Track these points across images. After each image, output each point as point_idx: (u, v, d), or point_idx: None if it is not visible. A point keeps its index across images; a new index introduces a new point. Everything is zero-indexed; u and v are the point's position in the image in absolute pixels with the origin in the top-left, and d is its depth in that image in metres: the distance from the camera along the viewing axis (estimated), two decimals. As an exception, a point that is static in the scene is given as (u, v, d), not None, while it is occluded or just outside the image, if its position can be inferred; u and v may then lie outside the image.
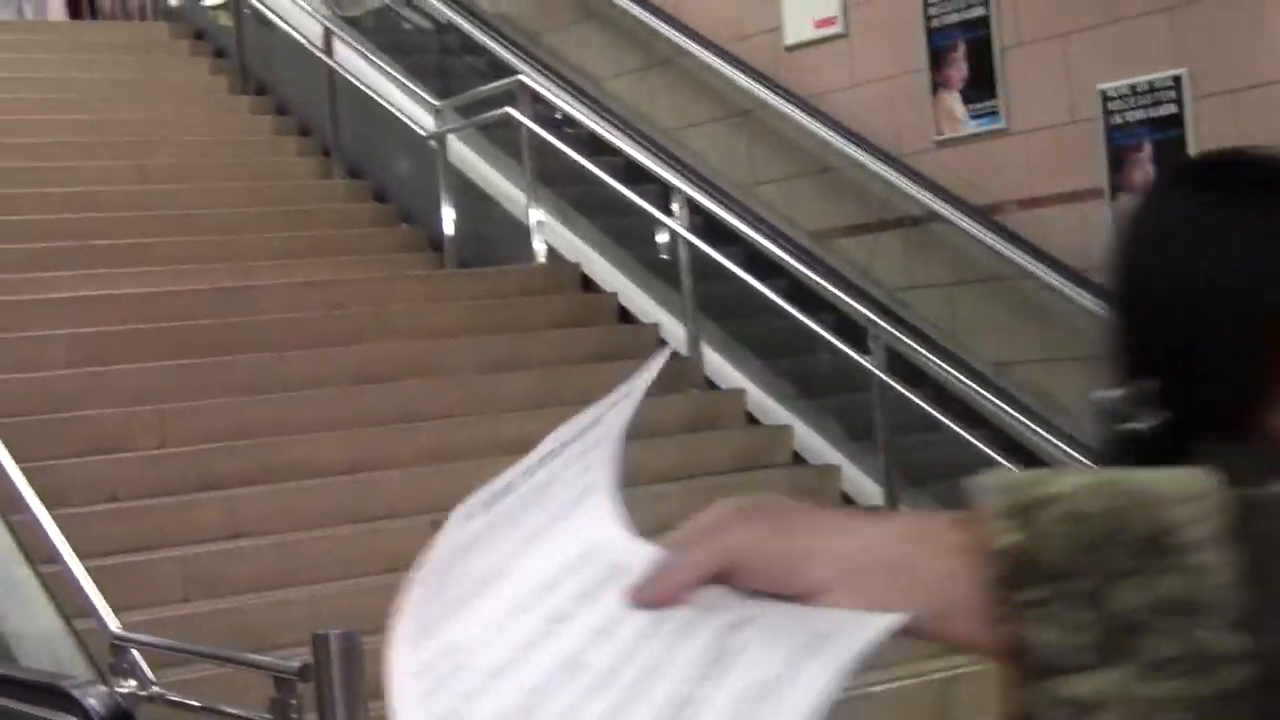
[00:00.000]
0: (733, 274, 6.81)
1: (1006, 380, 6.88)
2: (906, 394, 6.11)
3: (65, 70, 9.61)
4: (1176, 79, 6.62)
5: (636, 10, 9.23)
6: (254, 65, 9.84)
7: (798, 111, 8.21)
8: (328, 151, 8.88)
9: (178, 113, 9.37)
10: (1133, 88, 6.78)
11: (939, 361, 6.28)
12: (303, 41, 9.09)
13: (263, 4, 9.69)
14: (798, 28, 8.45)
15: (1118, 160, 6.86)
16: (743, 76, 8.52)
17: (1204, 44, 6.55)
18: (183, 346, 6.47)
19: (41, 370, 6.15)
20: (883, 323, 6.34)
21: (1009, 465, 5.81)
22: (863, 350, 6.31)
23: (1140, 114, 6.76)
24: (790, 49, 8.48)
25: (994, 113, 7.41)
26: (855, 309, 6.46)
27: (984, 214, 7.33)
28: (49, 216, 7.65)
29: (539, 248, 7.66)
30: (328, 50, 8.90)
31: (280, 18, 9.42)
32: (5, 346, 6.21)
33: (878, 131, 7.89)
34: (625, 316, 7.38)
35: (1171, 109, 6.64)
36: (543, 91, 7.81)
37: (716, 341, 7.15)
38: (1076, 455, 5.78)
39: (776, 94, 8.33)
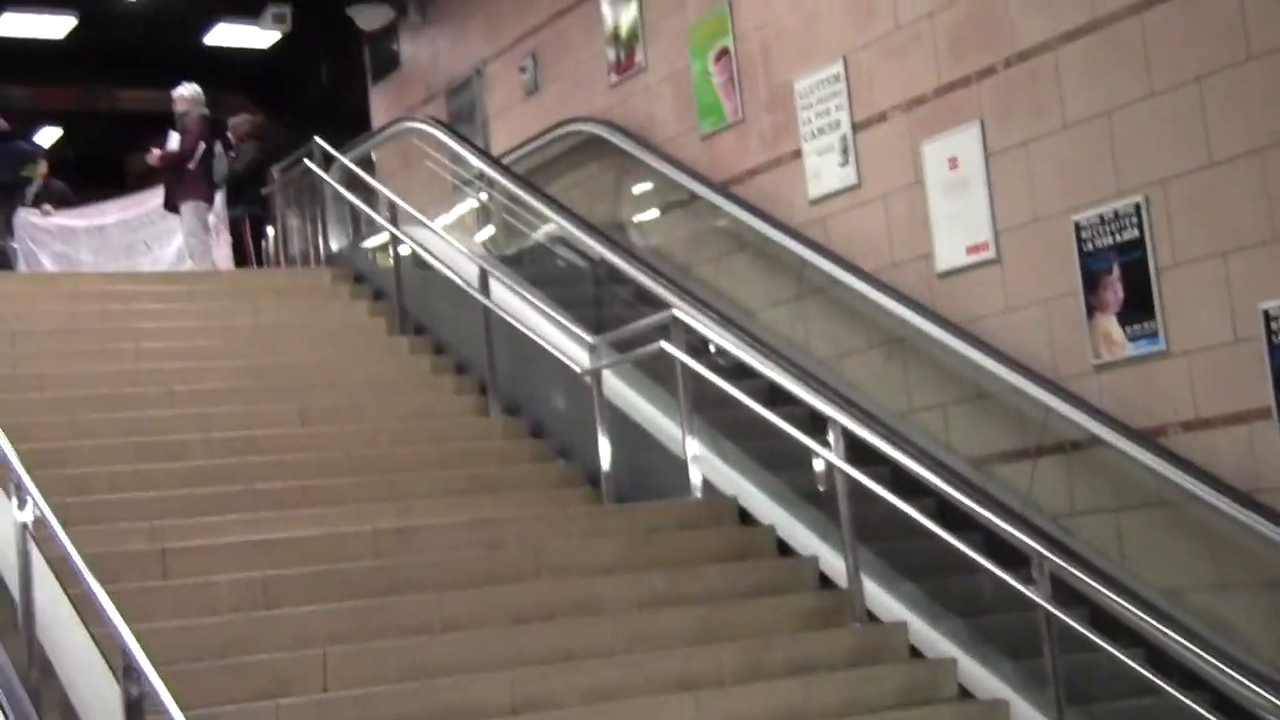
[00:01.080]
0: (891, 503, 6.72)
1: (1179, 608, 6.69)
2: (1074, 625, 5.93)
3: (232, 317, 9.88)
4: (1341, 296, 6.52)
5: (788, 241, 9.34)
6: (412, 306, 10.06)
7: (952, 337, 8.20)
8: (485, 389, 9.00)
9: (338, 355, 9.57)
10: (1296, 306, 6.68)
11: (1106, 590, 6.11)
12: (459, 282, 9.29)
13: (420, 246, 9.94)
14: (950, 254, 8.49)
15: (1283, 379, 6.74)
16: (896, 303, 8.55)
17: (1367, 260, 6.46)
18: (345, 588, 6.51)
19: (206, 615, 6.21)
20: (1047, 551, 6.20)
21: (1188, 700, 5.62)
22: (1027, 579, 6.17)
23: (1305, 332, 6.66)
24: (943, 275, 8.51)
25: (1153, 334, 7.34)
26: (1018, 537, 6.33)
27: (1147, 437, 7.22)
28: (215, 461, 7.79)
29: (695, 481, 7.65)
30: (484, 290, 9.08)
31: (437, 259, 9.65)
32: (171, 592, 6.29)
33: (1034, 356, 7.85)
34: (784, 549, 7.31)
35: (1337, 327, 6.53)
36: (696, 325, 7.86)
37: (877, 573, 7.04)
38: (1258, 689, 5.56)
39: (930, 320, 8.34)
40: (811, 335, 9.26)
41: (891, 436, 7.16)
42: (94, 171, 19.46)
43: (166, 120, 12.68)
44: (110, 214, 13.94)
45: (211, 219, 12.73)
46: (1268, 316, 6.79)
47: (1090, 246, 7.65)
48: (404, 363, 9.62)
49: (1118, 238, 7.52)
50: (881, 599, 6.95)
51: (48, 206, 13.42)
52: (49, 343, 9.04)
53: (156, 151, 12.35)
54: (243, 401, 8.52)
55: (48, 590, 5.66)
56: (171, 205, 12.50)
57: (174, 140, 12.26)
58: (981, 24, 8.30)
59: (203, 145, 12.32)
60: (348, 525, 7.11)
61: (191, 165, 12.25)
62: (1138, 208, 7.41)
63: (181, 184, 12.30)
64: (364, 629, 6.24)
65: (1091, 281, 7.64)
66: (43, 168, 13.75)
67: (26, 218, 13.29)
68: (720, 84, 10.33)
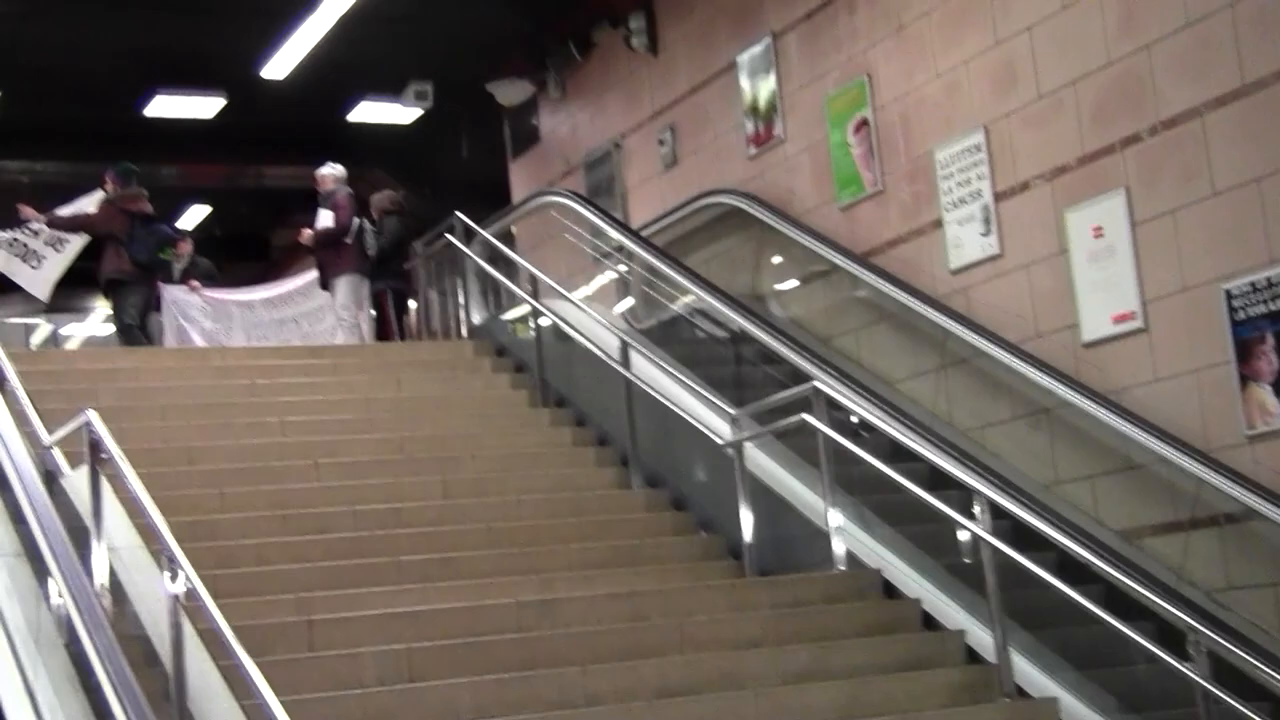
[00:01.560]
0: (1040, 577, 6.60)
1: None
2: (1236, 704, 5.78)
3: (375, 390, 9.99)
4: None
5: (930, 312, 9.28)
6: (553, 378, 10.11)
7: (1099, 408, 8.08)
8: (626, 461, 9.00)
9: (480, 427, 9.63)
10: None
11: (1269, 669, 5.94)
12: (600, 354, 9.32)
13: (561, 319, 10.00)
14: (1096, 323, 8.38)
15: None
16: (1040, 374, 8.45)
17: None
18: (488, 661, 6.51)
19: (351, 688, 6.24)
20: (1203, 626, 6.05)
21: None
22: (1183, 656, 6.02)
23: None
24: (1089, 345, 8.40)
25: (1309, 404, 7.17)
26: (1172, 612, 6.19)
27: (1304, 510, 7.05)
28: (359, 533, 7.86)
29: (839, 553, 7.58)
30: (625, 362, 9.11)
31: (578, 331, 9.70)
32: (317, 664, 6.34)
33: (1184, 426, 7.70)
34: (929, 623, 7.21)
35: None
36: (838, 396, 7.81)
37: (1027, 647, 6.92)
38: None
39: (1076, 391, 8.22)
40: (954, 406, 9.17)
41: (1039, 510, 7.06)
42: (240, 248, 19.89)
43: (310, 196, 12.90)
44: (260, 292, 14.18)
45: None
46: None
47: (1242, 315, 7.51)
48: (545, 435, 9.66)
49: (1270, 305, 7.37)
50: (1031, 674, 6.82)
51: (195, 282, 13.69)
52: (197, 416, 9.19)
53: (308, 231, 12.55)
54: (386, 474, 8.60)
55: (198, 661, 5.72)
56: (325, 282, 12.68)
57: (325, 218, 12.44)
58: (1125, 91, 8.22)
59: (356, 220, 12.51)
60: (490, 598, 7.13)
61: (349, 240, 12.43)
62: (1291, 275, 7.26)
63: (338, 258, 12.48)
64: (507, 701, 6.23)
65: (1244, 350, 7.49)
66: (186, 245, 14.04)
67: (178, 295, 13.56)
68: (859, 154, 10.31)
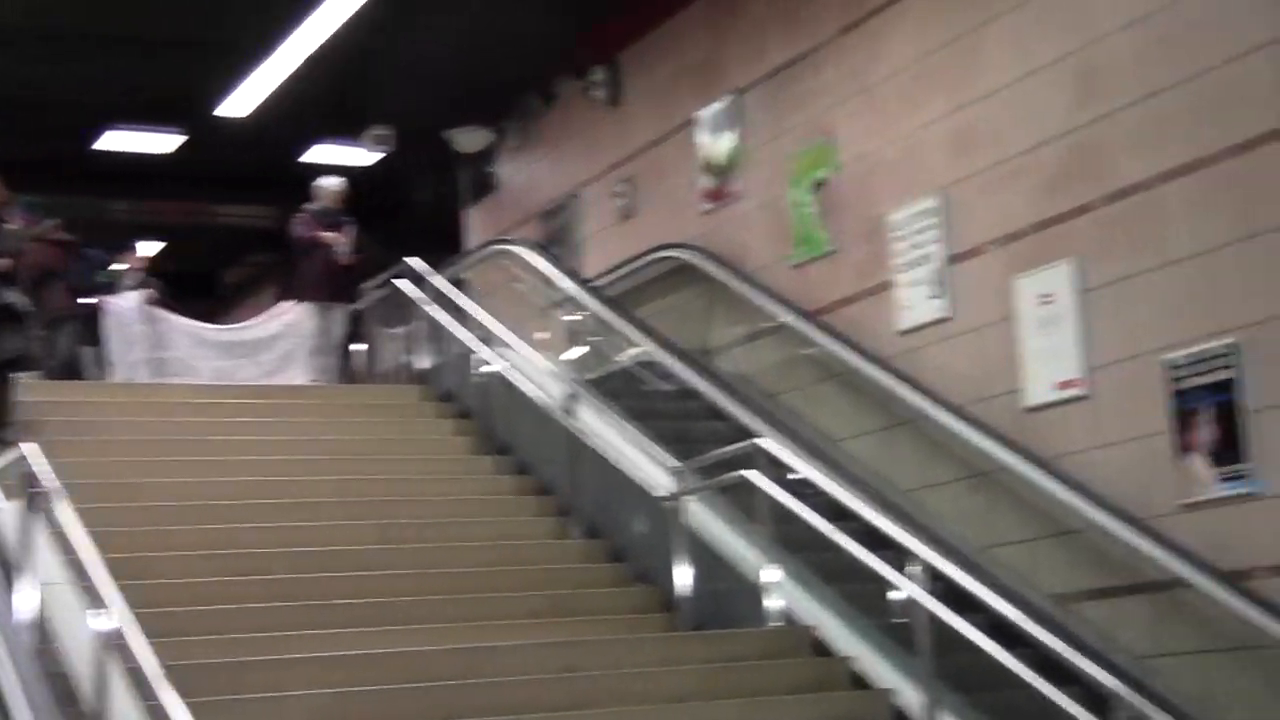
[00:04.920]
0: (972, 641, 6.61)
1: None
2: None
3: (319, 432, 9.96)
4: None
5: (876, 372, 9.31)
6: (498, 426, 10.10)
7: (1038, 472, 8.11)
8: (566, 511, 8.99)
9: (421, 473, 9.61)
10: (1390, 452, 6.55)
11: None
12: (545, 404, 9.31)
13: (508, 367, 9.99)
14: (1039, 389, 8.43)
15: (1378, 527, 6.60)
16: (982, 437, 8.48)
17: None
18: (418, 708, 6.47)
19: (278, 730, 6.20)
20: (1128, 693, 6.07)
21: None
22: (1109, 722, 6.05)
23: (1400, 479, 6.52)
24: (1031, 410, 8.44)
25: (1243, 476, 7.22)
26: (1099, 678, 6.21)
27: (1233, 580, 7.08)
28: (295, 576, 7.81)
29: (773, 610, 7.57)
30: (569, 412, 9.10)
31: (524, 380, 9.69)
32: (244, 707, 6.27)
33: (1122, 493, 7.75)
34: (859, 683, 7.20)
35: None
36: (779, 454, 7.82)
37: (956, 709, 6.91)
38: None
39: (1016, 455, 8.26)
40: (897, 466, 9.19)
41: (974, 571, 7.07)
42: (191, 284, 19.80)
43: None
44: (236, 332, 14.04)
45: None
46: (1361, 462, 6.68)
47: (1183, 386, 7.55)
48: (486, 483, 9.64)
49: (1210, 378, 7.42)
50: (960, 737, 6.83)
51: (153, 293, 13.45)
52: (139, 452, 9.14)
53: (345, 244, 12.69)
54: (325, 517, 8.57)
55: (123, 701, 5.67)
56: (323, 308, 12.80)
57: (345, 237, 12.64)
58: (1082, 161, 8.28)
59: None
60: (424, 644, 7.09)
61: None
62: (1231, 349, 7.31)
63: (345, 286, 12.68)
64: (434, 749, 6.20)
65: (1183, 421, 7.54)
66: (134, 257, 13.89)
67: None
68: (815, 213, 10.36)
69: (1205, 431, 7.42)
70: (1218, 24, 7.54)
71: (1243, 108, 7.37)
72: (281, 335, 13.11)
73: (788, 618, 7.60)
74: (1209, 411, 7.41)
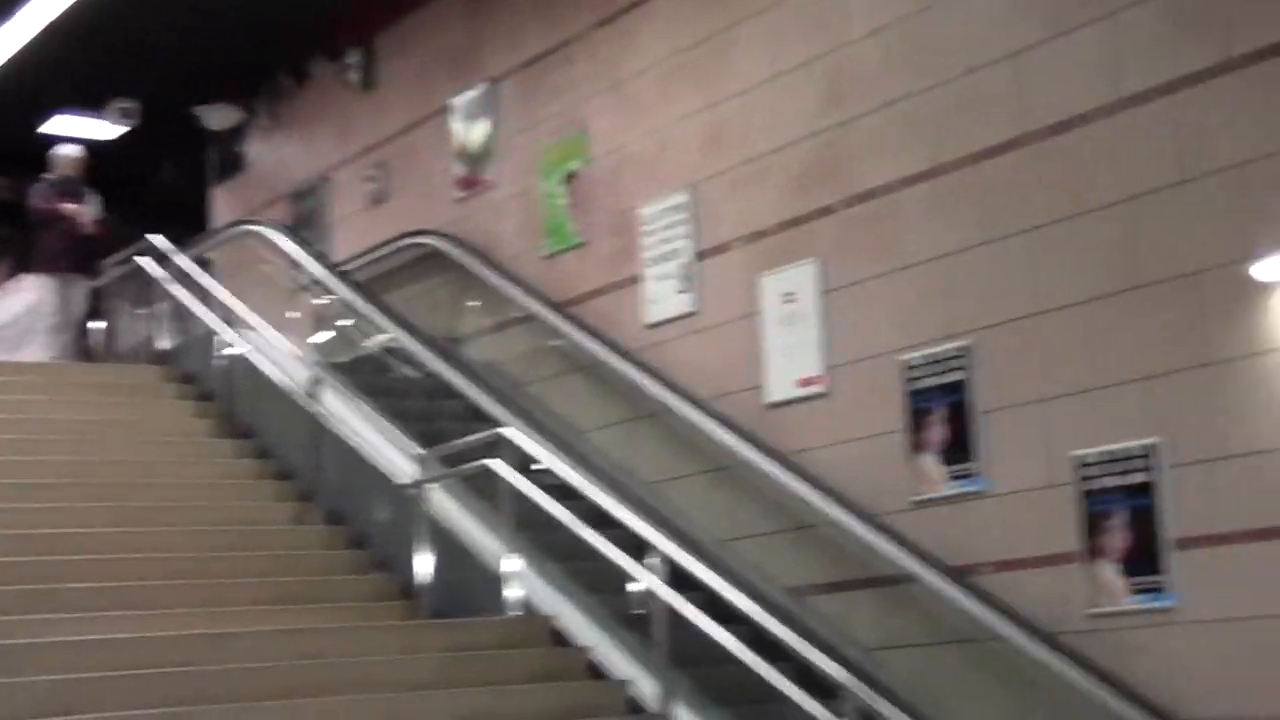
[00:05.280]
0: (707, 631, 6.72)
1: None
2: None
3: (50, 411, 9.68)
4: (1150, 448, 6.67)
5: (622, 364, 9.38)
6: (241, 409, 9.95)
7: (777, 467, 8.26)
8: (308, 497, 8.88)
9: (159, 455, 9.40)
10: (1108, 455, 6.83)
11: (915, 727, 6.15)
12: (289, 388, 9.19)
13: (253, 348, 9.83)
14: (781, 386, 8.57)
15: (1092, 526, 6.87)
16: (724, 431, 8.60)
17: (1177, 414, 6.63)
18: (149, 695, 6.32)
19: (3, 718, 6.01)
20: (856, 684, 6.23)
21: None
22: (838, 713, 6.19)
23: (1114, 480, 6.81)
24: (772, 406, 8.58)
25: (971, 475, 7.46)
26: (828, 669, 6.36)
27: (960, 575, 7.31)
28: (27, 559, 7.58)
29: (514, 599, 7.59)
30: (314, 397, 9.00)
31: (269, 362, 9.55)
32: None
33: (856, 490, 7.93)
34: (597, 672, 7.26)
35: (1144, 477, 6.68)
36: (524, 444, 7.84)
37: (692, 700, 7.02)
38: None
39: (756, 450, 8.40)
40: (640, 458, 9.28)
41: (711, 564, 7.17)
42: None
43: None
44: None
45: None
46: (1080, 463, 6.94)
47: (917, 386, 7.77)
48: (226, 466, 9.47)
49: (943, 379, 7.65)
50: (694, 727, 6.93)
51: None
52: None
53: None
54: (57, 499, 8.33)
55: None
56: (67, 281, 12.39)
57: (90, 206, 12.24)
58: (826, 163, 8.45)
59: None
60: (157, 630, 6.94)
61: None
62: (964, 351, 7.55)
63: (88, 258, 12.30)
64: (167, 737, 6.08)
65: (916, 420, 7.75)
66: None
67: None
68: (567, 205, 10.39)
69: (937, 431, 7.64)
70: (960, 35, 7.77)
71: (981, 118, 7.61)
72: (19, 310, 12.70)
73: (527, 607, 7.62)
74: (941, 411, 7.63)
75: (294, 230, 11.78)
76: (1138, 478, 6.71)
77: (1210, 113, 6.64)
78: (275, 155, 14.17)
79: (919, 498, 7.67)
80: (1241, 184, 6.48)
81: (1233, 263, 6.48)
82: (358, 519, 8.66)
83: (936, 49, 7.89)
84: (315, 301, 10.46)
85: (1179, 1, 6.81)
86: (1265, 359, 6.35)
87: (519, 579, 7.64)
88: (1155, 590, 6.63)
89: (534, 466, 7.80)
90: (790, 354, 8.54)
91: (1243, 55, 6.53)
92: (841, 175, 8.36)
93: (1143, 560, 6.68)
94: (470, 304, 11.02)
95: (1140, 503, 6.69)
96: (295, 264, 10.84)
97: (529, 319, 10.29)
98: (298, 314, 10.95)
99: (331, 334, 10.39)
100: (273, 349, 9.86)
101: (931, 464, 7.64)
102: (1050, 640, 6.82)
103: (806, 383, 8.43)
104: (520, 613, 7.60)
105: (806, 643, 6.57)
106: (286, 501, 8.98)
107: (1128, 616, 6.73)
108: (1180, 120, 6.75)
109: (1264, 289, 6.36)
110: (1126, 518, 6.75)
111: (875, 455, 7.94)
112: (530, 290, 10.30)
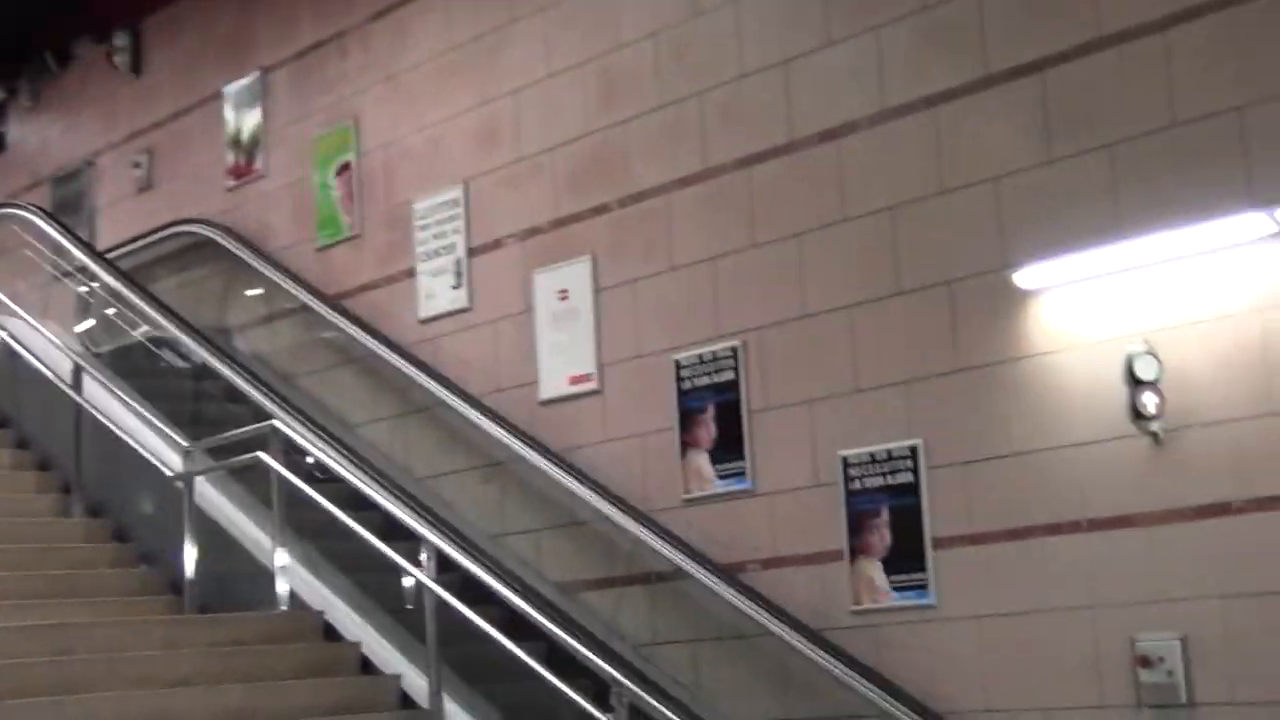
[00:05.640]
0: (480, 627, 6.76)
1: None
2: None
3: None
4: (912, 449, 6.88)
5: (394, 358, 9.35)
6: (-1, 398, 9.69)
7: (549, 464, 8.32)
8: (69, 489, 8.69)
9: (-91, 445, 9.14)
10: (872, 455, 7.02)
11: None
12: (49, 375, 8.97)
13: (10, 335, 9.58)
14: (554, 383, 8.62)
15: (857, 524, 7.06)
16: (497, 428, 8.63)
17: (937, 417, 6.84)
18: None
19: None
20: (626, 680, 6.32)
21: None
22: (606, 708, 6.27)
23: (878, 480, 6.99)
24: (545, 403, 8.63)
25: (741, 474, 7.59)
26: (599, 666, 6.44)
27: (728, 572, 7.44)
28: None
29: (283, 594, 7.54)
30: (76, 386, 8.80)
31: (27, 350, 9.32)
32: None
33: (628, 487, 8.02)
34: (368, 667, 7.24)
35: (907, 477, 6.88)
36: (295, 437, 7.78)
37: (460, 695, 7.04)
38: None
39: (529, 446, 8.44)
40: (413, 454, 9.26)
41: (483, 559, 7.20)
42: None
43: None
44: None
45: None
46: (845, 463, 7.12)
47: (688, 385, 7.89)
48: (-17, 457, 9.23)
49: (714, 378, 7.78)
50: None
51: None
52: None
53: None
54: None
55: None
56: None
57: None
58: (600, 163, 8.53)
59: None
60: (-94, 625, 6.75)
61: None
62: (734, 351, 7.68)
63: None
64: (-86, 735, 5.91)
65: (687, 419, 7.87)
66: None
67: None
68: (340, 197, 10.32)
69: (708, 430, 7.77)
70: (733, 41, 7.90)
71: (750, 123, 7.75)
72: None
73: (298, 602, 7.57)
74: (712, 411, 7.76)
75: (53, 215, 11.47)
76: (901, 478, 6.91)
77: (968, 126, 6.87)
78: (38, 137, 13.79)
79: (689, 495, 7.79)
80: (998, 195, 6.72)
81: (990, 270, 6.70)
82: (123, 511, 8.51)
83: (710, 54, 8.01)
84: (79, 289, 10.21)
85: (938, 19, 7.02)
86: (1021, 364, 6.59)
87: (289, 574, 7.58)
88: (916, 588, 6.84)
89: (306, 460, 7.75)
90: (563, 351, 8.60)
91: (999, 72, 6.78)
92: (615, 175, 8.44)
93: (905, 558, 6.89)
94: (241, 294, 10.87)
95: (903, 502, 6.89)
96: (58, 249, 10.58)
97: (302, 311, 10.19)
98: (61, 301, 10.69)
99: (96, 322, 10.15)
100: (33, 336, 9.62)
101: (702, 462, 7.77)
102: (815, 636, 6.98)
103: (579, 380, 8.49)
104: (290, 607, 7.54)
105: (577, 639, 6.63)
106: (47, 493, 8.79)
107: (890, 613, 6.93)
108: (940, 132, 6.97)
109: (1020, 296, 6.60)
110: (890, 517, 6.94)
111: (646, 453, 8.04)
112: (302, 282, 10.20)
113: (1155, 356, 6.14)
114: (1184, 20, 6.20)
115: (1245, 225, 5.91)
